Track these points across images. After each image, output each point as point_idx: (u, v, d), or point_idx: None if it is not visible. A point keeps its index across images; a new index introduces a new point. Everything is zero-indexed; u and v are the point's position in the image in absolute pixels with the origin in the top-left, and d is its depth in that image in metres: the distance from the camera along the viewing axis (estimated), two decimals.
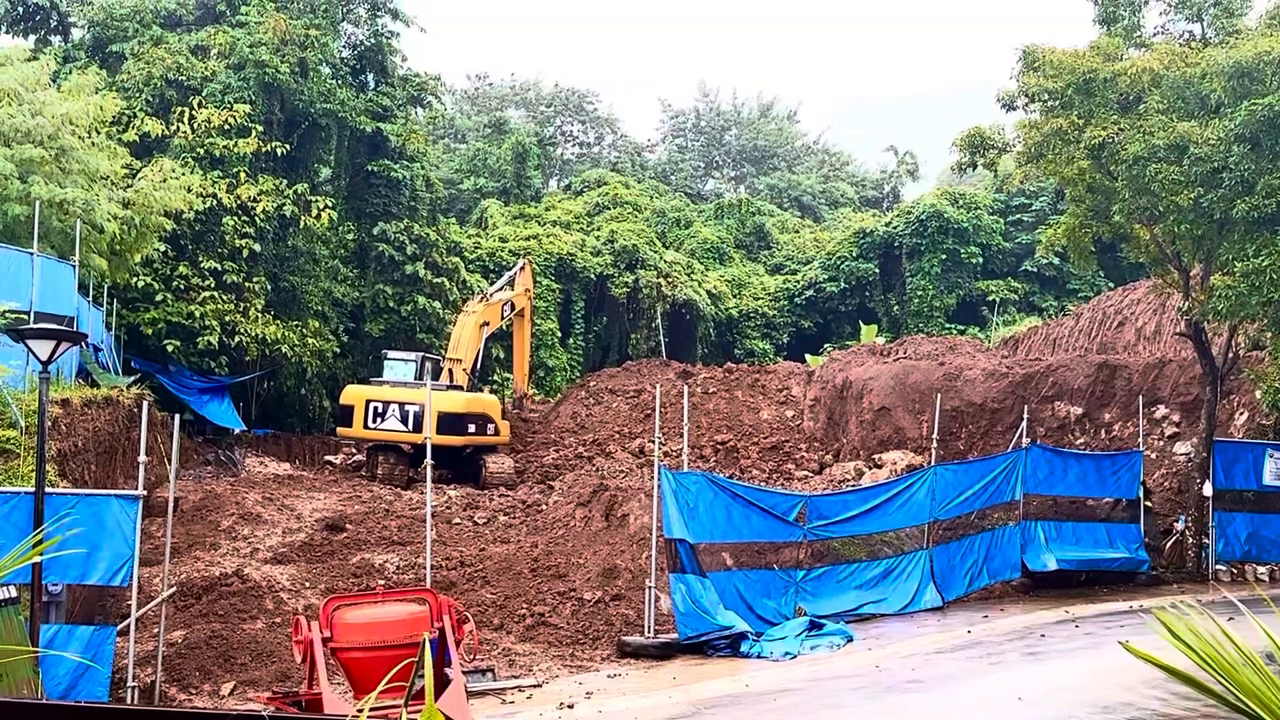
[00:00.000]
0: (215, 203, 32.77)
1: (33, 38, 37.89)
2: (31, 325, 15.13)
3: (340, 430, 31.69)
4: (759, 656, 17.41)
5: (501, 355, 41.40)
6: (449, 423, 29.09)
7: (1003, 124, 26.99)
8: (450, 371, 32.37)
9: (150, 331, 32.51)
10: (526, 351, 38.26)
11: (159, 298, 32.53)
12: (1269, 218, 21.09)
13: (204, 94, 34.79)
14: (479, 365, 33.80)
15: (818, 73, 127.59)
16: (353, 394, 31.15)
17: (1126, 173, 22.47)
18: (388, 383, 31.21)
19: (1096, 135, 22.91)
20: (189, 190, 29.41)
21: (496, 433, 31.28)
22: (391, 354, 33.21)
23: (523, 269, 37.23)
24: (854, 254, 52.12)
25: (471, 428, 29.84)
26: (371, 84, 41.62)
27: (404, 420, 29.66)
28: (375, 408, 30.10)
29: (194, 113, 33.91)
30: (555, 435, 34.59)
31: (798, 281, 53.54)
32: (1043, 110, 24.60)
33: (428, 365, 31.94)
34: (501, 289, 35.99)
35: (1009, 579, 23.54)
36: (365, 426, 30.28)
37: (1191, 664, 3.14)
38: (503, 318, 35.68)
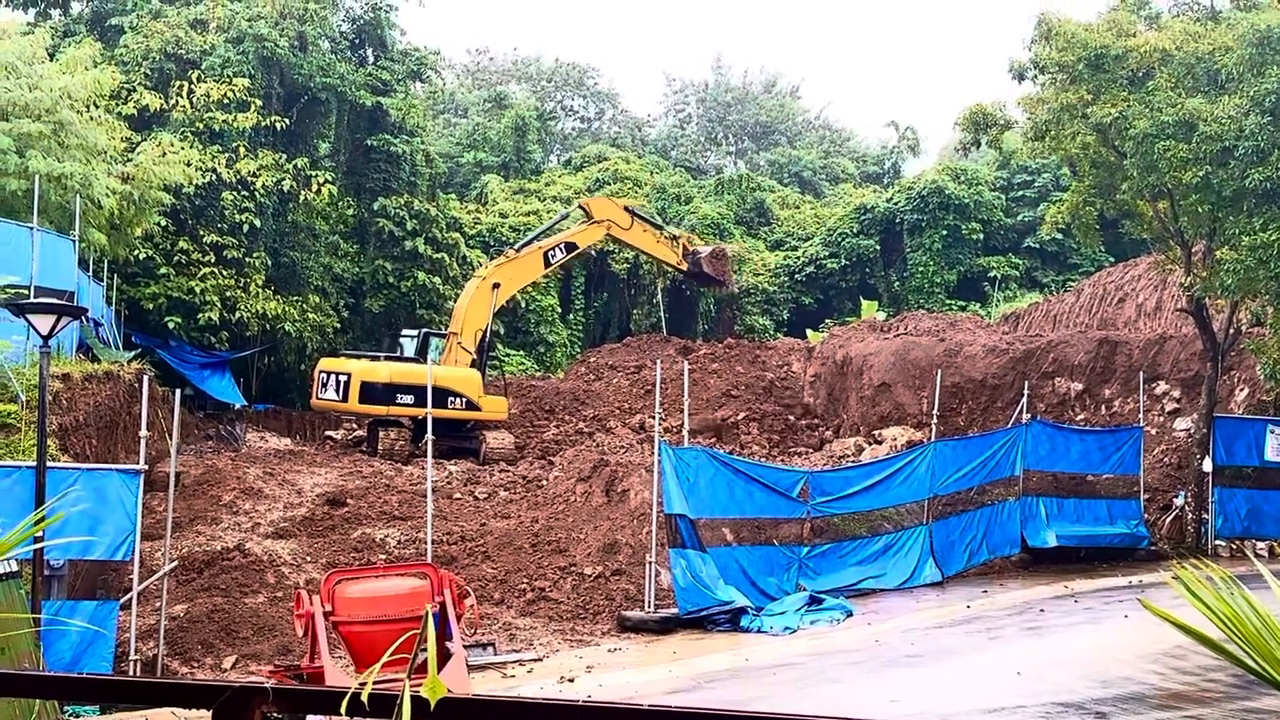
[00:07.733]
0: (214, 177, 32.64)
1: (32, 11, 37.64)
2: (32, 300, 15.11)
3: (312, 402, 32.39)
4: (759, 631, 17.46)
5: (501, 329, 41.20)
6: (373, 392, 29.64)
7: (1004, 101, 26.85)
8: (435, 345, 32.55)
9: (151, 307, 32.50)
10: (651, 239, 37.35)
11: (160, 272, 32.50)
12: None
13: (203, 68, 34.63)
14: (488, 337, 33.21)
15: (821, 47, 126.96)
16: (321, 365, 31.78)
17: (1135, 149, 22.37)
18: (353, 355, 31.75)
19: (1106, 112, 22.80)
20: (188, 165, 29.31)
21: (472, 408, 30.63)
22: (405, 332, 33.97)
23: (588, 206, 36.50)
24: (855, 230, 51.91)
25: (410, 399, 29.38)
26: (371, 58, 41.38)
27: (335, 389, 30.33)
28: (321, 378, 30.86)
29: (193, 86, 33.77)
30: (556, 411, 34.58)
31: (798, 257, 53.32)
32: (1051, 84, 24.49)
33: (432, 341, 32.07)
34: (545, 234, 35.48)
35: (1009, 554, 23.59)
36: (317, 398, 31.13)
37: (1204, 628, 3.13)
38: (548, 264, 34.63)
